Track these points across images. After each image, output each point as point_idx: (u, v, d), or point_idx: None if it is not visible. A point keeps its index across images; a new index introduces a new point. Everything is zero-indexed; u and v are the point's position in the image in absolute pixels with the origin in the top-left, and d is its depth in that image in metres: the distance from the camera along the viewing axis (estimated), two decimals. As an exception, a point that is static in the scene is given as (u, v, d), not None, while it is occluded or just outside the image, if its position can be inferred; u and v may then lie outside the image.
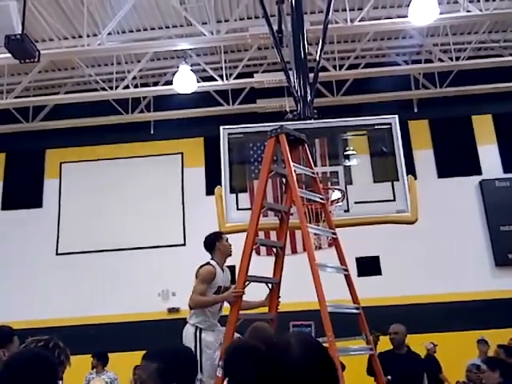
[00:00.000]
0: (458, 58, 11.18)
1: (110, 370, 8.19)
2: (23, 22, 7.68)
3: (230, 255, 5.23)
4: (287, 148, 4.80)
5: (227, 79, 11.04)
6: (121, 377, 8.47)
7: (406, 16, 9.13)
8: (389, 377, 6.42)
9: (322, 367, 1.38)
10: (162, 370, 2.15)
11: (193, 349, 4.70)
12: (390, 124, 6.76)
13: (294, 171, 4.74)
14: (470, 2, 9.35)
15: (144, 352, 2.39)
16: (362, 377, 6.23)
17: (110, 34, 9.72)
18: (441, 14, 8.87)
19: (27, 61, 7.85)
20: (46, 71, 11.80)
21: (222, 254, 5.20)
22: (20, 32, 7.50)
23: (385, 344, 6.39)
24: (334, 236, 4.88)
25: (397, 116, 6.77)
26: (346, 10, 9.45)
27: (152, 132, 12.38)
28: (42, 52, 8.28)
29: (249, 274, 4.73)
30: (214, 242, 5.22)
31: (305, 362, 1.36)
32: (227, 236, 5.39)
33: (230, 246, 5.25)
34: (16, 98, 11.17)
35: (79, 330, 10.36)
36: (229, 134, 6.68)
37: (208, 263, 5.12)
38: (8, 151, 12.49)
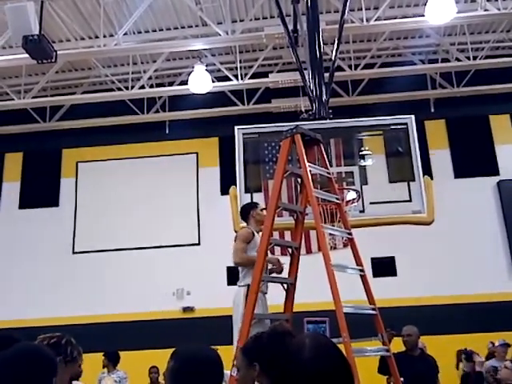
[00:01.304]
0: (475, 58, 11.07)
1: (120, 369, 8.23)
2: (40, 22, 7.76)
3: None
4: (302, 148, 4.78)
5: (242, 79, 11.05)
6: (136, 375, 8.51)
7: (422, 15, 9.06)
8: (401, 379, 6.36)
9: (336, 367, 1.38)
10: (175, 370, 2.14)
11: (241, 310, 4.80)
12: (406, 124, 6.70)
13: (310, 171, 4.72)
14: (487, 0, 9.24)
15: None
16: (370, 375, 6.19)
17: (125, 34, 9.78)
18: (458, 12, 8.79)
19: (44, 61, 7.93)
20: (62, 71, 11.91)
21: (257, 222, 5.41)
22: (37, 33, 7.58)
23: (397, 345, 6.35)
24: (350, 236, 4.85)
25: (413, 116, 6.71)
26: (361, 10, 9.40)
27: (167, 132, 12.43)
28: (59, 52, 8.36)
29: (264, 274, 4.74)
30: (248, 211, 5.47)
31: (318, 362, 1.36)
32: (262, 206, 5.60)
33: (265, 215, 5.36)
34: (33, 98, 11.30)
35: (94, 328, 10.45)
36: (243, 133, 6.67)
37: (244, 227, 5.43)
38: (25, 151, 12.62)
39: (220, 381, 2.20)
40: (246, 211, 5.50)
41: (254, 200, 6.80)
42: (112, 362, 8.19)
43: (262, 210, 5.50)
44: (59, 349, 2.50)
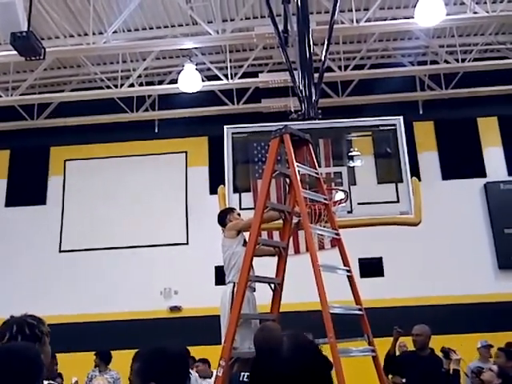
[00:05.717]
0: (463, 60, 11.14)
1: (113, 369, 8.16)
2: (29, 19, 7.69)
3: None
4: (291, 148, 4.79)
5: (232, 79, 11.04)
6: (121, 374, 8.46)
7: (412, 17, 9.10)
8: (403, 379, 6.37)
9: (314, 366, 1.38)
10: (140, 370, 2.13)
11: (227, 308, 4.81)
12: (394, 125, 6.73)
13: (298, 171, 4.73)
14: (476, 3, 9.32)
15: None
16: (361, 377, 6.20)
17: (115, 32, 9.74)
18: (447, 15, 8.84)
19: (33, 58, 7.85)
20: (51, 69, 11.82)
21: None
22: (26, 29, 7.51)
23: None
24: (337, 237, 4.87)
25: (402, 117, 6.74)
26: (352, 11, 9.44)
27: (156, 131, 12.38)
28: (48, 49, 8.29)
29: (251, 273, 4.74)
30: (225, 215, 5.48)
31: (296, 361, 1.37)
32: (239, 212, 5.63)
33: (242, 219, 5.42)
34: (21, 95, 11.21)
35: (81, 327, 10.39)
36: (233, 133, 6.67)
37: None
38: (12, 148, 12.51)
39: (181, 374, 2.17)
40: (223, 217, 5.52)
41: (243, 200, 6.82)
42: (104, 361, 8.09)
43: (238, 214, 5.53)
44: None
